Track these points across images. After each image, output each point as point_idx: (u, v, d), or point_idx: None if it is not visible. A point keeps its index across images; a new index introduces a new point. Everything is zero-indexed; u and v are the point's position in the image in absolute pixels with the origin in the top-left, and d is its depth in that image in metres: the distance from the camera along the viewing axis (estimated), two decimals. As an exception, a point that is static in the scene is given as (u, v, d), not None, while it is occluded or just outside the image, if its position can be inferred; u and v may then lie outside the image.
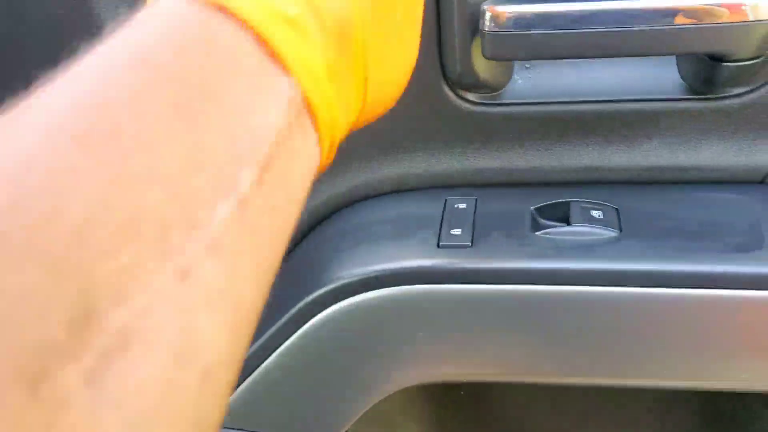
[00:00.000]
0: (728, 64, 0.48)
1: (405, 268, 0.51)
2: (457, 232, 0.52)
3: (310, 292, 0.54)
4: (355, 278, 0.52)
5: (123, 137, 0.19)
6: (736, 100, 0.51)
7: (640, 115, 0.53)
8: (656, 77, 0.53)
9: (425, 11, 0.49)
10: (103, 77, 0.21)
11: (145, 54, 0.22)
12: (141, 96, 0.21)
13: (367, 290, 0.52)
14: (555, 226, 0.52)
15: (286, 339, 0.54)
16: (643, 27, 0.45)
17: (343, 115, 0.28)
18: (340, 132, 0.28)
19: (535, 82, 0.54)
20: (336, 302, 0.53)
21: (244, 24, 0.23)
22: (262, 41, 0.23)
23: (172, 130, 0.20)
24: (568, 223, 0.51)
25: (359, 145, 0.57)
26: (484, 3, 0.48)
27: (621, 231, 0.50)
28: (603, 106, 0.53)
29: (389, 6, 0.30)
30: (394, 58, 0.31)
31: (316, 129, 0.26)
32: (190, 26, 0.23)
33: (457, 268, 0.50)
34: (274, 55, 0.23)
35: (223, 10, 0.23)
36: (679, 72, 0.52)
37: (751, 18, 0.45)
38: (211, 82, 0.22)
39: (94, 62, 0.22)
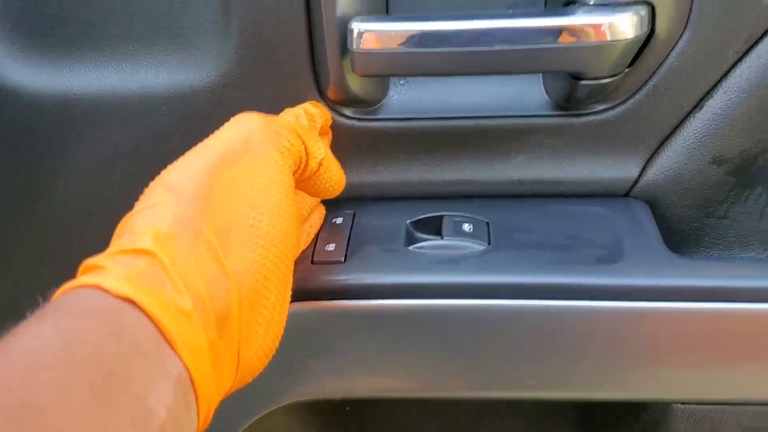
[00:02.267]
0: (587, 82, 0.49)
1: (278, 285, 0.51)
2: (331, 247, 0.52)
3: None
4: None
5: (49, 415, 0.24)
6: (599, 116, 0.53)
7: (510, 131, 0.54)
8: (524, 94, 0.54)
9: (297, 28, 0.50)
10: (34, 362, 0.26)
11: (70, 342, 0.28)
12: (65, 378, 0.26)
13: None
14: (428, 239, 0.52)
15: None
16: (503, 47, 0.47)
17: (219, 387, 0.35)
18: (216, 401, 0.35)
19: (410, 98, 0.55)
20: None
21: (147, 315, 0.30)
22: (160, 328, 0.30)
23: (88, 410, 0.26)
24: (441, 237, 0.52)
25: None
26: (352, 21, 0.48)
27: (489, 244, 0.52)
28: (474, 121, 0.54)
29: (263, 296, 0.37)
30: (263, 336, 0.38)
31: (197, 402, 0.32)
32: (106, 317, 0.30)
33: (329, 284, 0.50)
34: (169, 341, 0.31)
35: (131, 302, 0.30)
36: (544, 89, 0.54)
37: (608, 38, 0.47)
38: (120, 365, 0.28)
39: (27, 346, 0.27)
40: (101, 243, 0.59)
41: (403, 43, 0.48)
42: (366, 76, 0.51)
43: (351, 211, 0.56)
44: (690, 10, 0.48)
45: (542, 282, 0.48)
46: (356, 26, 0.48)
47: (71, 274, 0.60)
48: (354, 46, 0.48)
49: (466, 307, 0.49)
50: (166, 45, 0.53)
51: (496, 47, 0.47)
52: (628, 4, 0.47)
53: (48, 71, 0.54)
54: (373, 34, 0.48)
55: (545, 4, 0.52)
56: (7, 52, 0.54)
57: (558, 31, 0.46)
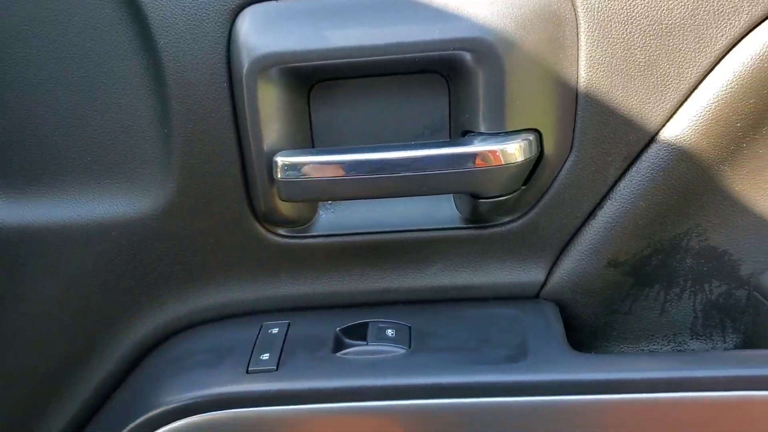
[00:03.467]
0: (485, 200, 0.56)
1: (216, 395, 0.55)
2: (265, 356, 0.57)
3: (131, 422, 0.57)
4: (172, 406, 0.56)
5: None
6: (503, 228, 0.59)
7: (425, 242, 0.60)
8: (437, 210, 0.60)
9: (230, 161, 0.56)
10: None
11: None
12: None
13: (183, 417, 0.56)
14: (355, 345, 0.57)
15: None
16: (406, 173, 0.53)
17: None
18: None
19: (337, 216, 0.61)
20: (155, 430, 0.56)
21: None
22: None
23: None
24: (366, 342, 0.57)
25: (175, 279, 0.62)
26: (277, 155, 0.55)
27: (410, 347, 0.56)
28: (394, 235, 0.60)
29: None
30: None
31: None
32: None
33: (262, 391, 0.54)
34: None
35: None
36: (455, 205, 0.60)
37: (502, 162, 0.54)
38: None
39: None
40: (56, 369, 0.64)
41: (320, 173, 0.54)
42: (290, 202, 0.57)
43: (286, 321, 0.61)
44: (573, 136, 0.56)
45: (455, 381, 0.53)
46: (280, 159, 0.54)
47: (26, 399, 0.64)
48: (278, 176, 0.55)
49: (389, 408, 0.53)
50: (115, 178, 0.59)
51: (402, 174, 0.53)
52: (517, 132, 0.54)
53: (7, 204, 0.60)
54: (293, 165, 0.54)
55: (449, 132, 0.59)
56: None
57: (457, 159, 0.53)
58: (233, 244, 0.61)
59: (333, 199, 0.59)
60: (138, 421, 0.56)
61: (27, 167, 0.60)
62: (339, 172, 0.54)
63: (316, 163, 0.54)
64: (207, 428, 0.55)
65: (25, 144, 0.59)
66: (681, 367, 0.53)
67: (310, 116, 0.59)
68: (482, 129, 0.54)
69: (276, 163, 0.54)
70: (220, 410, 0.55)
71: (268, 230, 0.60)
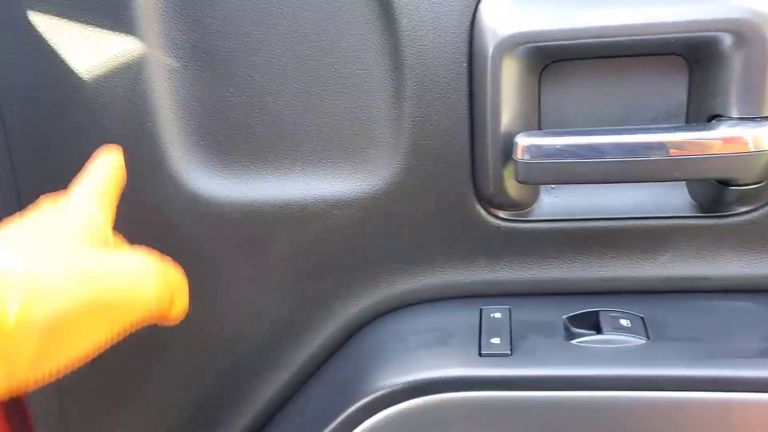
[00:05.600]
0: (734, 187, 0.54)
1: (449, 377, 0.55)
2: (496, 341, 0.56)
3: (356, 400, 0.57)
4: (400, 386, 0.56)
5: None
6: (741, 218, 0.57)
7: (655, 231, 0.58)
8: (667, 197, 0.58)
9: (462, 141, 0.55)
10: None
11: None
12: None
13: (412, 398, 0.55)
14: (587, 334, 0.56)
15: (336, 446, 0.57)
16: (656, 157, 0.51)
17: None
18: None
19: (560, 201, 0.60)
20: (382, 410, 0.56)
21: None
22: None
23: None
24: (599, 332, 0.56)
25: (392, 259, 0.62)
26: (518, 135, 0.54)
27: (648, 338, 0.55)
28: (622, 223, 0.58)
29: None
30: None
31: None
32: None
33: (499, 376, 0.54)
34: None
35: None
36: (689, 192, 0.58)
37: (752, 148, 0.51)
38: None
39: None
40: (269, 339, 0.65)
41: (562, 155, 0.53)
42: (527, 183, 0.56)
43: (507, 306, 0.60)
44: (828, 121, 0.53)
45: (705, 374, 0.51)
46: (521, 140, 0.54)
47: (240, 363, 0.65)
48: (519, 156, 0.54)
49: (631, 399, 0.52)
50: (340, 158, 0.60)
51: (654, 158, 0.52)
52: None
53: (234, 182, 0.61)
54: (536, 147, 0.53)
55: (686, 117, 0.57)
56: (200, 165, 0.61)
57: (714, 143, 0.51)
58: (453, 226, 0.60)
59: (573, 182, 0.58)
60: (367, 399, 0.56)
61: (254, 146, 0.61)
62: (584, 155, 0.53)
63: (562, 145, 0.53)
64: (437, 409, 0.55)
65: (253, 123, 0.60)
66: None
67: (539, 98, 0.58)
68: (734, 114, 0.52)
69: (516, 143, 0.54)
70: (454, 392, 0.54)
71: (489, 213, 0.59)
